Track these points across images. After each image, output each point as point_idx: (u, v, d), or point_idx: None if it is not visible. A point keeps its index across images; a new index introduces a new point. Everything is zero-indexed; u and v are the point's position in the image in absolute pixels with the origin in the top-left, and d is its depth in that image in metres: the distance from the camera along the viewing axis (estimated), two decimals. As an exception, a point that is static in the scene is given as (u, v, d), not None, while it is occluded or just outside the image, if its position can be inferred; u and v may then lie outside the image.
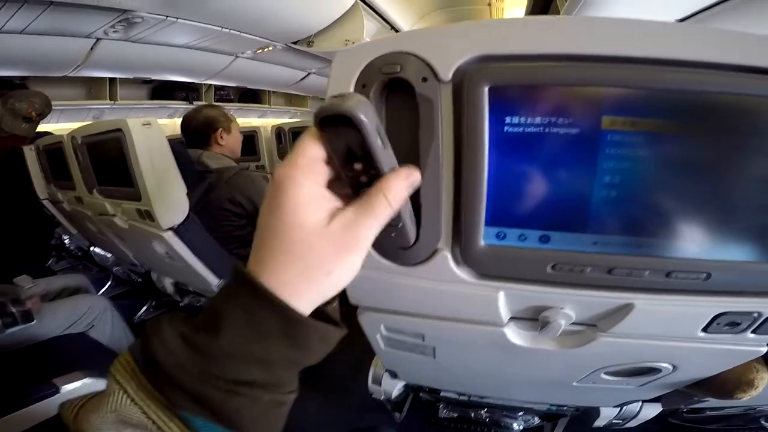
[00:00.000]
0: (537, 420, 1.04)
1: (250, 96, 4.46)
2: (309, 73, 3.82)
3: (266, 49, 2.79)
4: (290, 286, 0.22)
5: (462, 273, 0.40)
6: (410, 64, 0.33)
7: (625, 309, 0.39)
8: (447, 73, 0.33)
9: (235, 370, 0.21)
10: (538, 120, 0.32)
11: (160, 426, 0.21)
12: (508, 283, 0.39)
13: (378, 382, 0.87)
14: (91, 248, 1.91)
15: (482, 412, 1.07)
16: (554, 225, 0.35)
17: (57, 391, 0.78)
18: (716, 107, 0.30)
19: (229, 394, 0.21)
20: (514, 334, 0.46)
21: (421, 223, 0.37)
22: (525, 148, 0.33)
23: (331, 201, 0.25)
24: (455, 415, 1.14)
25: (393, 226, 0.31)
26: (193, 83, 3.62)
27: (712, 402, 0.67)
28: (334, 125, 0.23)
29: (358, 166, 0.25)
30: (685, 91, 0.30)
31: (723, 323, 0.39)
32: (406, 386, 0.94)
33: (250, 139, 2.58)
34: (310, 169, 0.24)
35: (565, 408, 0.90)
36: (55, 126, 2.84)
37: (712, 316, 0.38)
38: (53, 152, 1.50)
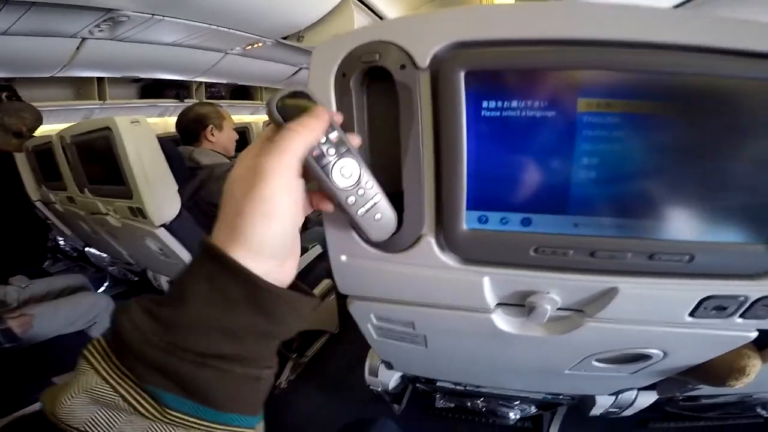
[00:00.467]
0: (534, 409, 1.05)
1: (242, 92, 4.42)
2: (300, 68, 3.78)
3: (256, 45, 2.76)
4: (257, 257, 0.22)
5: (446, 258, 0.40)
6: (389, 53, 0.33)
7: (610, 293, 0.39)
8: (424, 60, 0.33)
9: (202, 341, 0.21)
10: (514, 104, 0.32)
11: (131, 402, 0.20)
12: (492, 268, 0.40)
13: (374, 373, 0.88)
14: (86, 249, 1.91)
15: (479, 401, 1.08)
16: (535, 207, 0.35)
17: None
18: (692, 88, 0.30)
19: (196, 366, 0.21)
20: (502, 321, 0.46)
21: (404, 209, 0.37)
22: (503, 132, 0.33)
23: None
24: (452, 405, 1.15)
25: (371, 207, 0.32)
26: (184, 81, 3.58)
27: (707, 390, 0.67)
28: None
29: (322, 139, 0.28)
30: (660, 72, 0.30)
31: (710, 307, 0.39)
32: (403, 377, 0.94)
33: (241, 134, 2.56)
34: (296, 169, 0.26)
35: (561, 397, 0.90)
36: (44, 128, 2.80)
37: (698, 300, 0.38)
38: (43, 153, 1.49)
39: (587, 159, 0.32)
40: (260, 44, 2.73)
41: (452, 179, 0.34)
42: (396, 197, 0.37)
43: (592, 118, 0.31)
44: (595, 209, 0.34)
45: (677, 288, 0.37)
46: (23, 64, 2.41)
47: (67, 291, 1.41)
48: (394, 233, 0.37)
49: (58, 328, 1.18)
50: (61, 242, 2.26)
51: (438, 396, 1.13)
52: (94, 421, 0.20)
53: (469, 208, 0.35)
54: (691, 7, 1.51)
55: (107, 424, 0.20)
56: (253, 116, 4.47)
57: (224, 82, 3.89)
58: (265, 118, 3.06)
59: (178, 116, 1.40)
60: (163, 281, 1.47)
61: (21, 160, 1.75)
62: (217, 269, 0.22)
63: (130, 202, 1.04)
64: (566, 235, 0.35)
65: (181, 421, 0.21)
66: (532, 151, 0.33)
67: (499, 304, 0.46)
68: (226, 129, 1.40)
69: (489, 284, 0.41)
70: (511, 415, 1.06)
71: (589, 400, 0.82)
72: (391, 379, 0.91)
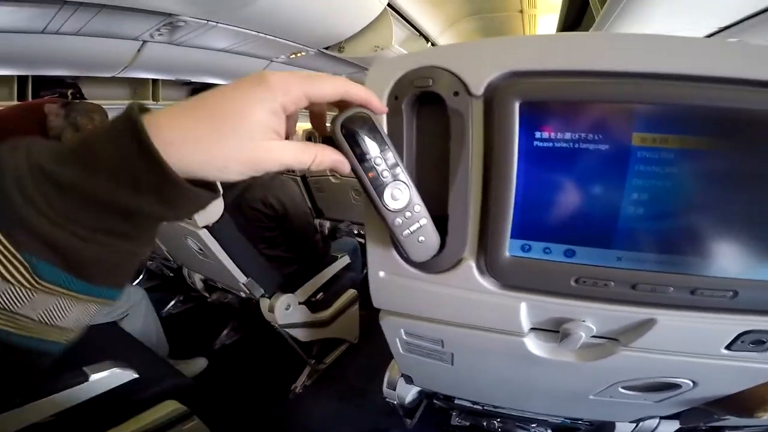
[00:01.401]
0: (549, 432, 1.02)
1: (281, 99, 4.56)
2: (339, 78, 3.89)
3: (299, 54, 2.87)
4: (177, 147, 0.21)
5: (485, 282, 0.41)
6: (442, 78, 0.35)
7: (648, 324, 0.39)
8: (479, 88, 0.34)
9: (96, 217, 0.20)
10: (567, 135, 0.33)
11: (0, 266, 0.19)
12: (530, 294, 0.40)
13: (393, 386, 0.88)
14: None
15: (495, 421, 1.06)
16: (580, 240, 0.36)
17: (86, 378, 0.81)
18: (747, 123, 0.30)
19: (83, 241, 0.20)
20: (534, 345, 0.47)
21: (448, 233, 0.38)
22: (553, 163, 0.34)
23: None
24: (467, 423, 1.13)
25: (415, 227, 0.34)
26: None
27: (731, 420, 0.65)
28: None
29: (378, 161, 0.30)
30: (716, 108, 0.30)
31: (748, 341, 0.38)
32: (420, 392, 0.94)
33: (279, 142, 2.65)
34: (282, 115, 0.25)
35: (580, 422, 0.88)
36: (101, 126, 3.01)
37: (736, 334, 0.38)
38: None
39: (637, 194, 0.33)
40: (303, 53, 2.84)
41: (499, 207, 0.35)
42: (439, 220, 0.38)
43: (646, 153, 0.31)
44: (640, 244, 0.35)
45: (716, 322, 0.37)
46: (90, 64, 2.61)
47: None
48: (435, 255, 0.39)
49: (97, 316, 1.24)
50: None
51: (454, 414, 1.12)
52: None
53: (513, 236, 0.36)
54: (725, 36, 1.46)
55: None
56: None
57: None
58: (303, 126, 3.15)
59: None
60: (197, 279, 1.54)
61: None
62: (136, 153, 0.20)
63: (177, 201, 1.11)
64: (609, 267, 0.35)
65: (47, 289, 0.20)
66: (582, 183, 0.34)
67: (532, 329, 0.46)
68: None
69: (525, 310, 0.42)
70: (527, 437, 1.04)
71: (608, 426, 0.79)
72: (408, 393, 0.91)
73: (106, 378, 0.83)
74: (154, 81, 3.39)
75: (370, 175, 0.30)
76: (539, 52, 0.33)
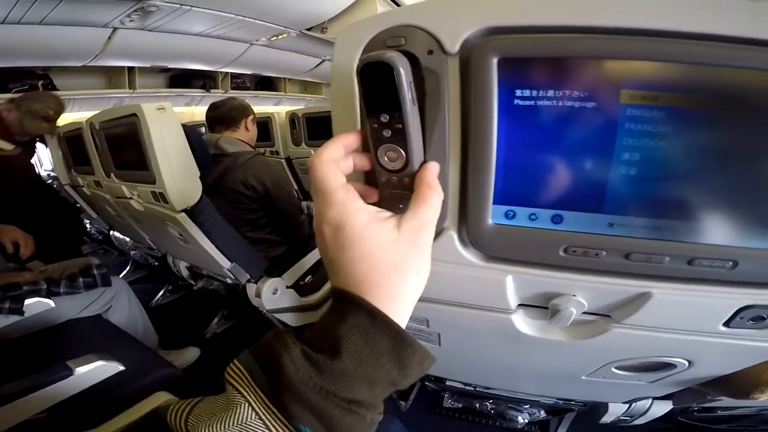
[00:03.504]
0: (543, 413, 1.03)
1: (266, 84, 4.47)
2: (323, 60, 3.80)
3: (280, 36, 2.78)
4: (388, 303, 0.24)
5: (468, 255, 0.38)
6: (415, 37, 0.32)
7: (642, 298, 0.37)
8: (454, 46, 0.31)
9: (349, 388, 0.23)
10: (550, 93, 0.30)
11: None
12: (517, 267, 0.38)
13: (383, 369, 0.88)
14: (111, 232, 1.97)
15: (488, 403, 1.07)
16: (568, 204, 0.33)
17: (71, 373, 0.79)
18: (747, 84, 0.27)
19: (345, 412, 0.23)
20: (522, 322, 0.45)
21: None
22: (536, 123, 0.31)
23: (380, 212, 0.27)
24: (460, 405, 1.13)
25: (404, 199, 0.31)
26: (210, 71, 3.65)
27: (725, 401, 0.65)
28: (373, 74, 0.27)
29: (384, 117, 0.28)
30: (713, 66, 0.27)
31: (747, 317, 0.36)
32: (413, 375, 0.93)
33: (264, 125, 2.60)
34: (353, 201, 0.27)
35: (573, 402, 0.88)
36: (76, 115, 2.92)
37: (735, 309, 0.36)
38: (73, 139, 1.55)
39: (628, 154, 0.30)
40: (285, 35, 2.76)
41: (479, 171, 0.32)
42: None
43: (636, 111, 0.29)
44: (633, 208, 0.32)
45: (715, 296, 0.35)
46: (58, 53, 2.51)
47: None
48: None
49: (73, 311, 1.20)
50: (88, 225, 2.35)
51: (446, 395, 1.12)
52: None
53: (495, 202, 0.34)
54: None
55: None
56: (276, 107, 4.53)
57: (249, 72, 3.95)
58: (287, 108, 3.08)
59: (216, 103, 1.45)
60: (182, 267, 1.50)
61: (52, 145, 1.81)
62: (370, 324, 0.23)
63: (153, 186, 1.07)
64: (600, 234, 0.33)
65: None
66: (568, 144, 0.31)
67: (520, 305, 0.44)
68: (254, 124, 1.49)
69: (512, 284, 0.40)
70: (520, 418, 1.05)
71: (601, 407, 0.80)
72: (400, 376, 0.90)
73: (91, 371, 0.81)
74: (130, 69, 3.27)
75: (373, 126, 0.29)
76: (518, 7, 0.30)
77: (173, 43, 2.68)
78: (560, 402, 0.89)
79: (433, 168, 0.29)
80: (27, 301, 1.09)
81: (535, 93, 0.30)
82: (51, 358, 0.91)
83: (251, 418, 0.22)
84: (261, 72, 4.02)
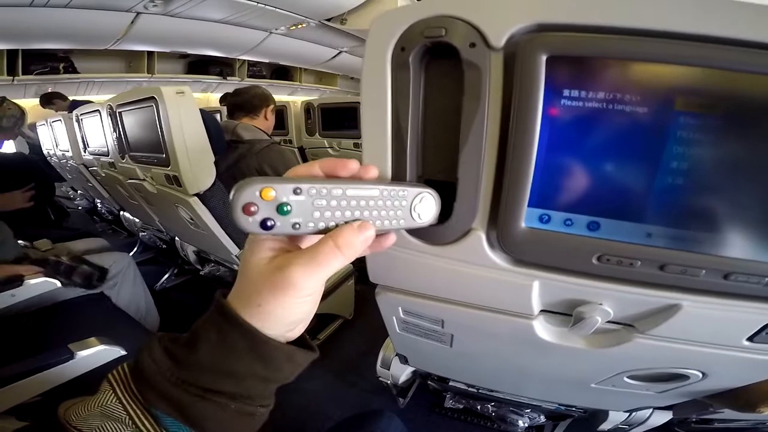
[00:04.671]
0: (543, 418, 1.02)
1: (282, 73, 4.48)
2: (340, 51, 3.80)
3: (300, 26, 2.77)
4: (262, 313, 0.25)
5: (496, 257, 0.37)
6: (457, 29, 0.31)
7: (671, 310, 0.36)
8: (499, 40, 0.30)
9: (207, 379, 0.25)
10: (601, 95, 0.29)
11: (134, 420, 0.24)
12: (545, 272, 0.37)
13: (387, 366, 0.87)
14: (121, 213, 1.99)
15: (489, 405, 1.06)
16: (606, 211, 0.32)
17: (72, 357, 0.79)
18: None
19: (197, 399, 0.24)
20: (543, 329, 0.44)
21: (456, 199, 0.35)
22: (582, 125, 0.30)
23: (285, 243, 0.27)
24: (461, 406, 1.13)
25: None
26: (227, 59, 3.67)
27: (725, 414, 0.64)
28: None
29: None
30: None
31: None
32: (414, 372, 0.93)
33: (279, 113, 2.59)
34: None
35: (574, 409, 0.87)
36: (96, 98, 2.95)
37: (762, 324, 0.35)
38: (90, 120, 1.56)
39: (676, 163, 0.29)
40: (304, 25, 2.75)
41: (517, 172, 0.31)
42: (445, 186, 0.35)
43: (689, 119, 0.27)
44: (674, 220, 0.31)
45: (746, 310, 0.34)
46: (81, 37, 2.54)
47: (87, 255, 1.46)
48: (440, 224, 0.35)
49: (79, 289, 1.21)
50: (99, 205, 2.37)
51: (448, 395, 1.11)
52: (100, 428, 0.24)
53: (531, 204, 0.32)
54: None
55: None
56: (291, 96, 4.54)
57: (266, 61, 3.96)
58: (302, 98, 3.07)
59: (239, 90, 1.46)
60: (190, 251, 1.51)
61: (69, 126, 1.83)
62: (226, 324, 0.25)
63: (168, 169, 1.07)
64: (636, 244, 0.32)
65: None
66: (613, 148, 0.30)
67: (542, 311, 0.43)
68: (273, 114, 1.51)
69: (538, 289, 0.39)
70: (520, 422, 1.04)
71: (601, 415, 0.79)
72: (402, 373, 0.89)
73: (92, 355, 0.81)
74: (150, 54, 3.29)
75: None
76: (571, 5, 0.28)
77: (194, 29, 2.69)
78: (561, 407, 0.89)
79: (351, 226, 0.26)
80: (32, 281, 1.08)
81: (584, 94, 0.29)
82: (53, 339, 0.90)
83: (111, 402, 0.25)
84: (278, 61, 4.03)
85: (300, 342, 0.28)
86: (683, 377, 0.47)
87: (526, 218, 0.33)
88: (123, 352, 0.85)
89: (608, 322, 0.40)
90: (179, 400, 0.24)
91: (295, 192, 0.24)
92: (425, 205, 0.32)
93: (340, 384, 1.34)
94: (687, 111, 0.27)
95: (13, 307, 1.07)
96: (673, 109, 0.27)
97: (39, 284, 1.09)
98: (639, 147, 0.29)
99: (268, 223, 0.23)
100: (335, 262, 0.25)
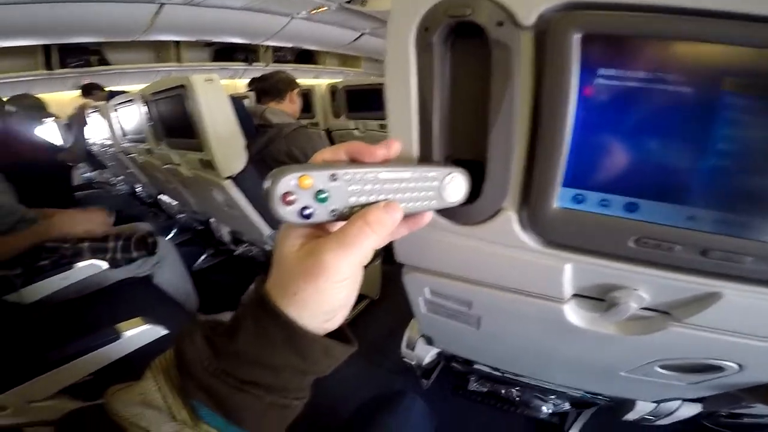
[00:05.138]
0: (567, 405, 1.01)
1: (306, 57, 4.49)
2: (362, 34, 3.76)
3: (320, 9, 2.75)
4: (299, 301, 0.24)
5: (527, 238, 0.37)
6: (483, 7, 0.30)
7: (710, 298, 0.35)
8: (528, 19, 0.29)
9: (244, 370, 0.25)
10: (641, 75, 0.27)
11: (171, 409, 0.25)
12: (578, 255, 0.36)
13: (411, 346, 0.88)
14: (159, 196, 2.10)
15: (514, 390, 1.06)
16: (645, 192, 0.30)
17: (119, 336, 0.82)
18: None
19: (234, 390, 0.24)
20: (574, 313, 0.43)
21: (486, 179, 0.34)
22: (620, 104, 0.29)
23: (314, 228, 0.27)
24: (485, 389, 1.13)
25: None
26: (252, 45, 3.71)
27: (756, 409, 0.61)
28: None
29: None
30: None
31: None
32: (439, 354, 0.94)
33: (305, 96, 2.62)
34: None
35: (600, 397, 0.86)
36: (128, 88, 3.09)
37: None
38: (126, 109, 1.64)
39: (723, 145, 0.27)
40: (325, 8, 2.73)
41: (550, 151, 0.31)
42: (473, 165, 0.34)
43: (738, 100, 0.26)
44: (718, 202, 0.29)
45: None
46: (111, 29, 2.65)
47: None
48: (469, 203, 0.35)
49: (127, 271, 1.29)
50: (138, 189, 2.51)
51: (473, 378, 1.12)
52: (143, 417, 0.25)
53: (565, 184, 0.32)
54: None
55: (150, 420, 0.25)
56: (316, 80, 4.56)
57: (290, 46, 3.97)
58: (326, 81, 3.08)
59: (265, 75, 1.51)
60: (225, 232, 1.58)
61: (107, 115, 1.92)
62: (263, 315, 0.25)
63: (201, 154, 1.11)
64: (677, 227, 0.30)
65: (206, 431, 0.25)
66: (654, 128, 0.28)
67: (574, 295, 0.42)
68: (299, 97, 1.54)
69: (570, 272, 0.38)
70: (544, 408, 1.03)
71: (627, 404, 0.77)
72: (427, 355, 0.90)
73: (138, 335, 0.85)
74: (176, 43, 3.38)
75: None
76: None
77: (217, 17, 2.73)
78: (588, 395, 0.88)
79: (379, 206, 0.26)
80: (80, 264, 1.16)
81: (622, 73, 0.27)
82: (101, 321, 0.93)
83: (152, 390, 0.25)
84: (301, 45, 4.04)
85: (339, 334, 0.28)
86: (718, 369, 0.46)
87: (559, 198, 0.32)
88: (166, 332, 0.89)
89: (642, 308, 0.39)
90: (217, 391, 0.24)
91: (332, 178, 0.24)
92: (455, 185, 0.32)
93: (363, 363, 1.37)
94: (735, 92, 0.26)
95: (64, 291, 1.15)
96: (719, 89, 0.26)
97: (87, 267, 1.18)
98: (683, 127, 0.28)
99: (306, 212, 0.23)
100: (366, 241, 0.24)
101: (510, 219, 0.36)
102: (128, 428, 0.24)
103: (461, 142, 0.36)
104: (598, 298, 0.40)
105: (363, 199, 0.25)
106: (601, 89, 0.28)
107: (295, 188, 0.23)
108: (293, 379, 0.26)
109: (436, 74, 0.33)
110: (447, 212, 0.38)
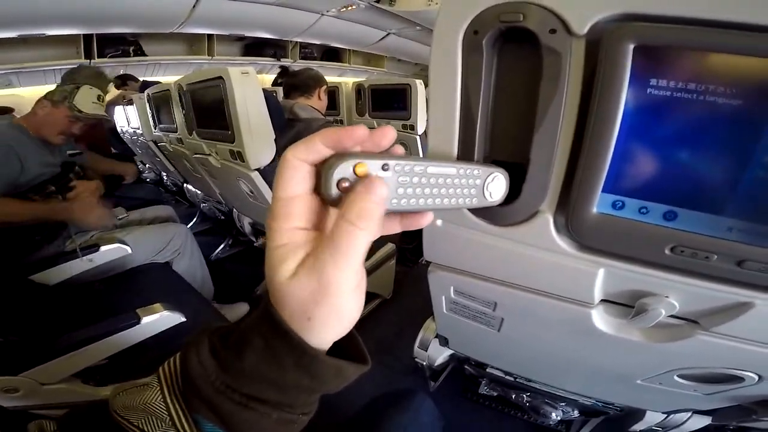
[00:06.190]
0: (576, 413, 1.00)
1: (332, 55, 4.55)
2: (389, 33, 3.78)
3: (350, 7, 2.79)
4: (315, 326, 0.23)
5: (562, 242, 0.38)
6: (536, 15, 0.31)
7: (741, 308, 0.35)
8: (582, 28, 0.30)
9: (250, 387, 0.24)
10: (691, 86, 0.28)
11: (175, 421, 0.24)
12: (612, 260, 0.37)
13: (425, 347, 0.88)
14: (185, 185, 2.16)
15: (524, 395, 1.05)
16: (685, 201, 0.31)
17: (138, 321, 0.83)
18: None
19: (240, 407, 0.24)
20: (601, 318, 0.44)
21: (526, 180, 0.35)
22: (667, 114, 0.29)
23: (309, 245, 0.23)
24: (495, 393, 1.13)
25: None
26: (281, 41, 3.78)
27: (764, 423, 0.60)
28: None
29: None
30: None
31: None
32: (451, 356, 0.94)
33: (331, 94, 2.65)
34: (286, 215, 0.23)
35: (611, 406, 0.85)
36: (161, 79, 3.19)
37: None
38: (160, 99, 1.70)
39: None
40: (354, 6, 2.76)
41: (594, 157, 0.32)
42: (514, 167, 0.35)
43: None
44: (758, 214, 0.30)
45: None
46: (148, 20, 2.74)
47: (157, 221, 1.62)
48: (507, 204, 0.36)
49: (147, 255, 1.34)
50: (165, 177, 2.60)
51: (483, 382, 1.12)
52: (146, 422, 0.25)
53: (605, 190, 0.33)
54: None
55: (153, 429, 0.25)
56: (341, 78, 4.62)
57: (317, 43, 4.03)
58: (351, 80, 3.11)
59: (294, 71, 1.56)
60: (246, 223, 1.62)
61: (140, 105, 1.99)
62: (273, 334, 0.23)
63: (232, 145, 1.15)
64: (715, 237, 0.31)
65: None
66: (700, 138, 0.29)
67: (603, 300, 0.43)
68: (326, 94, 1.59)
69: (602, 277, 0.39)
70: (553, 415, 1.02)
71: (637, 414, 0.76)
72: (440, 356, 0.90)
73: (156, 321, 0.86)
74: (209, 37, 3.47)
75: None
76: None
77: (251, 11, 2.80)
78: (599, 404, 0.87)
79: (357, 193, 0.22)
80: (105, 247, 1.20)
81: (672, 84, 0.28)
82: (121, 304, 0.96)
83: (156, 401, 0.25)
84: (329, 43, 4.09)
85: (351, 347, 0.27)
86: (738, 379, 0.46)
87: (598, 204, 0.33)
88: (183, 319, 0.90)
89: (670, 316, 0.39)
90: (221, 407, 0.24)
91: (383, 168, 0.23)
92: (496, 185, 0.33)
93: (374, 363, 1.39)
94: None
95: (88, 273, 1.20)
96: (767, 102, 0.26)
97: (113, 250, 1.22)
98: (728, 138, 0.28)
99: None
100: (357, 241, 0.21)
101: (546, 222, 0.37)
102: None
103: (501, 143, 0.37)
104: (626, 304, 0.41)
105: (410, 191, 0.25)
106: (650, 99, 0.29)
107: (351, 175, 0.22)
108: (301, 396, 0.25)
109: (483, 76, 0.34)
110: (483, 212, 0.39)
